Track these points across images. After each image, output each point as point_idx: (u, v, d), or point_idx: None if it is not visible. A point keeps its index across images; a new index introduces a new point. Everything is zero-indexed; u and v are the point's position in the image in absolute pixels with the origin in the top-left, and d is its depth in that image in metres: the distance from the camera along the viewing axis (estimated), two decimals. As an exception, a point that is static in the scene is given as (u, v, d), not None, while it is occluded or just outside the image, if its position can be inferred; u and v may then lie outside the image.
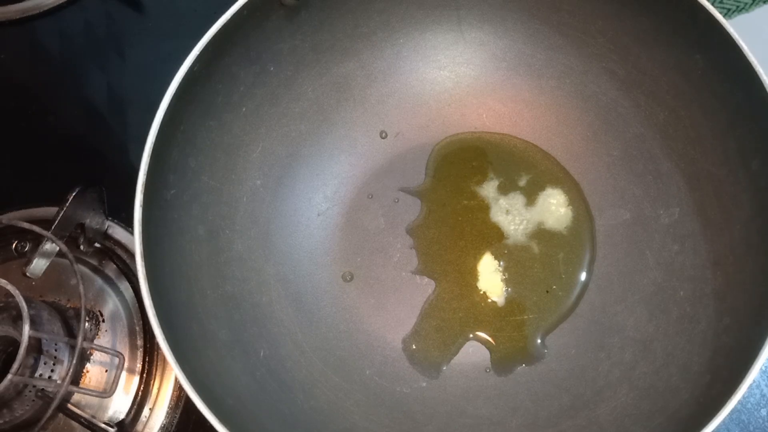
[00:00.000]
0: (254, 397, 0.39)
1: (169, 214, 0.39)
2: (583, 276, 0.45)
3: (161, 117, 0.37)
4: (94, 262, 0.48)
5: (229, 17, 0.39)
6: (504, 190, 0.47)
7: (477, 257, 0.46)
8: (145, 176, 0.36)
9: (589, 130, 0.47)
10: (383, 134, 0.49)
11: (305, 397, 0.41)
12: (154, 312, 0.34)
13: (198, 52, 0.38)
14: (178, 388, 0.45)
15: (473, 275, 0.46)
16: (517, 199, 0.47)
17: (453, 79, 0.49)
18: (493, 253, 0.46)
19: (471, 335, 0.44)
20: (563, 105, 0.47)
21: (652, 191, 0.44)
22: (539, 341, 0.44)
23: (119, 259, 0.48)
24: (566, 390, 0.42)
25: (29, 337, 0.38)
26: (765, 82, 0.36)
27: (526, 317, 0.44)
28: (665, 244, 0.43)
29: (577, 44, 0.45)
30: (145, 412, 0.45)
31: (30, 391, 0.41)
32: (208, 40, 0.38)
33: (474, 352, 0.44)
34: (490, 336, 0.44)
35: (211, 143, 0.42)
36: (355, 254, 0.46)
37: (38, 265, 0.42)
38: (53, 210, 0.44)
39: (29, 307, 0.39)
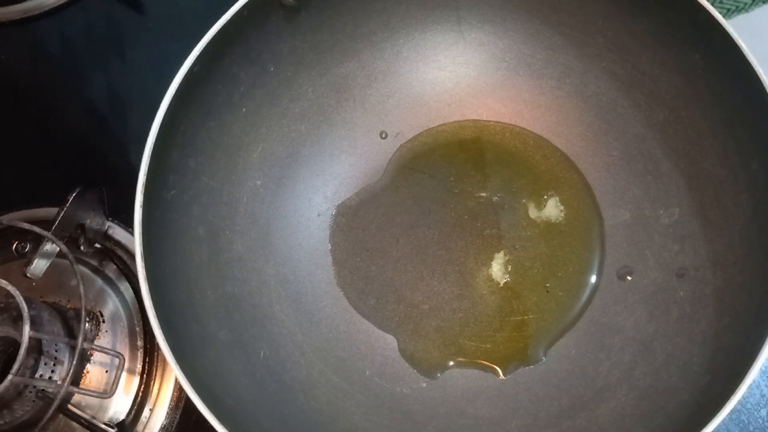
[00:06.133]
0: (254, 398, 0.39)
1: (169, 214, 0.39)
2: (587, 278, 0.45)
3: (161, 117, 0.37)
4: (94, 262, 0.48)
5: (229, 18, 0.39)
6: (505, 189, 0.47)
7: (477, 257, 0.46)
8: (145, 177, 0.36)
9: (588, 131, 0.47)
10: (383, 134, 0.49)
11: (305, 398, 0.41)
12: (154, 312, 0.34)
13: (198, 53, 0.38)
14: (179, 389, 0.45)
15: (473, 275, 0.46)
16: (519, 199, 0.47)
17: (453, 79, 0.49)
18: (493, 253, 0.46)
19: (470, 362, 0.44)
20: (563, 105, 0.47)
21: (652, 191, 0.44)
22: (540, 342, 0.44)
23: (119, 259, 0.48)
24: (566, 390, 0.42)
25: (29, 338, 0.38)
26: (765, 82, 0.36)
27: (526, 317, 0.44)
28: (665, 244, 0.43)
29: (577, 44, 0.45)
30: (146, 412, 0.45)
31: (30, 392, 0.41)
32: (208, 41, 0.38)
33: (474, 352, 0.44)
34: (491, 361, 0.43)
35: (211, 144, 0.42)
36: (355, 255, 0.46)
37: (38, 265, 0.42)
38: (53, 210, 0.44)
39: (29, 307, 0.39)
